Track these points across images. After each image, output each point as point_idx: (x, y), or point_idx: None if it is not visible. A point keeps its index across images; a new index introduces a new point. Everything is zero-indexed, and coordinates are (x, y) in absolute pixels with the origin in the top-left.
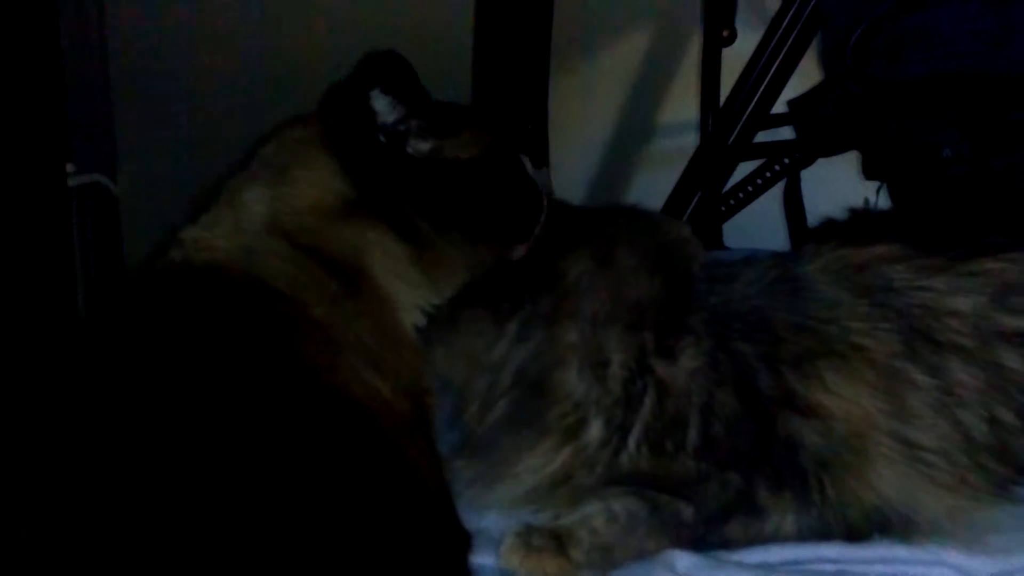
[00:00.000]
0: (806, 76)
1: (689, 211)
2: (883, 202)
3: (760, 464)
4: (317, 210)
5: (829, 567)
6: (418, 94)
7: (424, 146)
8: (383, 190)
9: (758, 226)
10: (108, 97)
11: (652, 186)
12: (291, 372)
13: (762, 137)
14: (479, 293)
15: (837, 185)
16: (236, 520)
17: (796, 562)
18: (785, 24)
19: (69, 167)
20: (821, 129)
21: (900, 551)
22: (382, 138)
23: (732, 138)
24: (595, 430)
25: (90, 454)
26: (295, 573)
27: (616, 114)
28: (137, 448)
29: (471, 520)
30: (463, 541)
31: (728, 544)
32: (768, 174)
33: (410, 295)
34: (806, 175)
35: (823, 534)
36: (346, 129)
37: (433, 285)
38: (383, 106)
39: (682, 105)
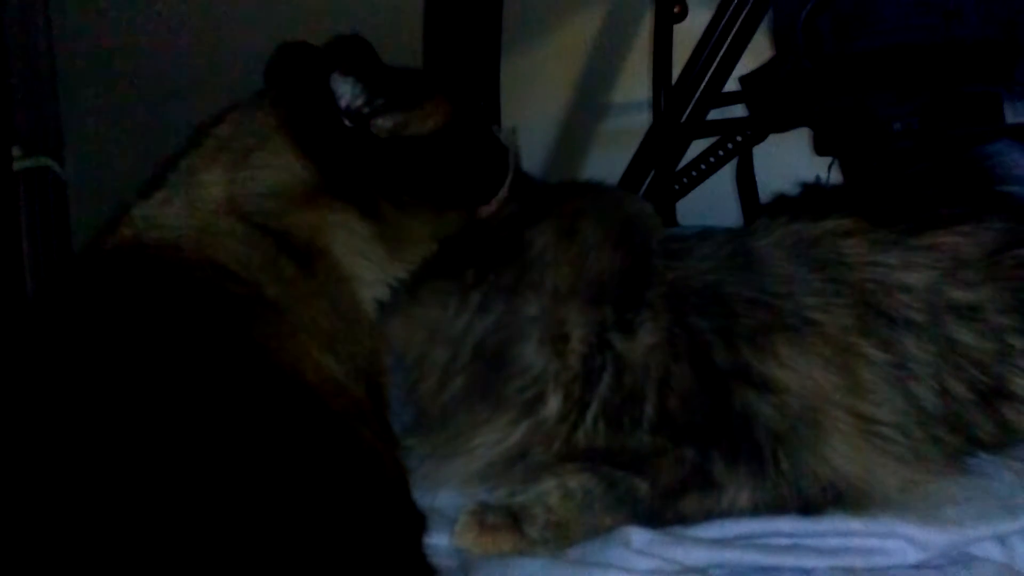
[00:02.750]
0: (758, 53)
1: (643, 190)
2: (835, 178)
3: (715, 438)
4: (278, 194)
5: (784, 540)
6: (378, 72)
7: (388, 123)
8: (347, 173)
9: (711, 204)
10: (54, 79)
11: (606, 165)
12: (239, 353)
13: (715, 115)
14: (444, 263)
15: (789, 162)
16: (176, 506)
17: (751, 536)
18: (736, 0)
19: (15, 150)
20: (773, 105)
21: (855, 524)
22: (346, 121)
23: (685, 116)
24: (553, 405)
25: (32, 437)
26: (238, 559)
27: (568, 94)
28: (80, 431)
29: (425, 498)
30: (418, 523)
31: (684, 519)
32: (721, 152)
33: (375, 272)
34: (758, 152)
35: (778, 508)
36: (306, 114)
37: (401, 260)
38: (344, 88)
39: (634, 84)
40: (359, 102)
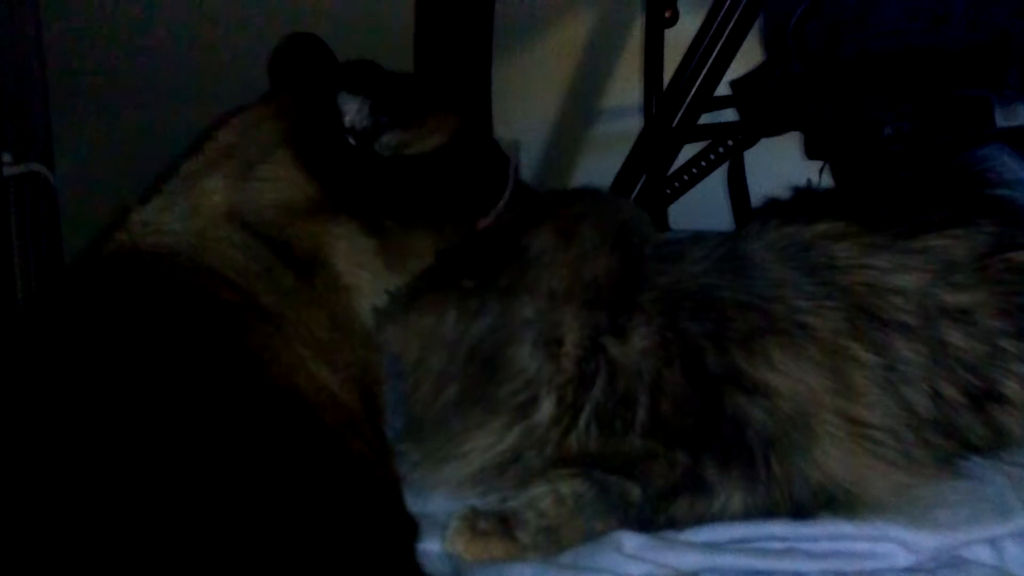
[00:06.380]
0: (749, 57)
1: (634, 194)
2: (826, 182)
3: (707, 442)
4: (281, 207)
5: (777, 544)
6: (385, 91)
7: (392, 141)
8: (351, 191)
9: (703, 208)
10: (44, 85)
11: (597, 170)
12: (230, 362)
13: (706, 119)
14: (443, 271)
15: (780, 166)
16: (163, 515)
17: (744, 540)
18: (727, 5)
19: (5, 157)
20: (764, 110)
21: (846, 528)
22: (351, 140)
23: (676, 120)
24: (546, 409)
25: (21, 444)
26: (225, 570)
27: (560, 98)
28: (69, 441)
29: (417, 504)
30: (410, 530)
31: (675, 523)
32: (712, 156)
33: (375, 283)
34: (749, 157)
35: (770, 512)
36: (311, 130)
37: (399, 271)
38: (351, 107)
39: (626, 88)
40: (365, 123)
